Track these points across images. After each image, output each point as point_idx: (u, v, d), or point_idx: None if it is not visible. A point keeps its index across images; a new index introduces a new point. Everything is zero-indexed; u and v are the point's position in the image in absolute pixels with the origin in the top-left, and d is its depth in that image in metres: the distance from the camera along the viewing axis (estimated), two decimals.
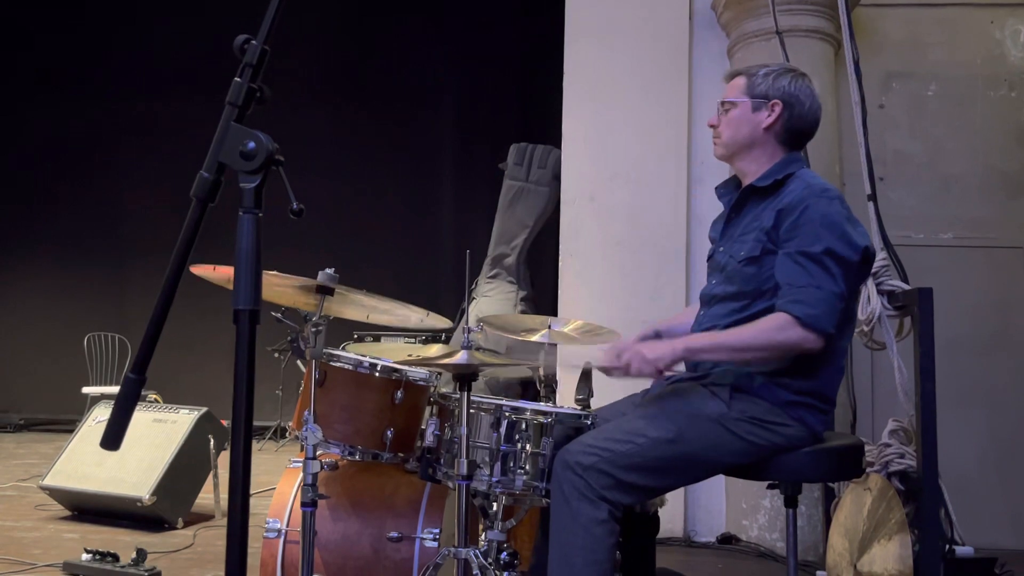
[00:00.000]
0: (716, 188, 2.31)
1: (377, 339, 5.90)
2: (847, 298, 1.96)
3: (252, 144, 1.05)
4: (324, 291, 2.14)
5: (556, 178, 5.50)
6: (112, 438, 1.07)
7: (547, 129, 5.72)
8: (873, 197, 3.16)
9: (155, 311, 1.07)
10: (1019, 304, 4.18)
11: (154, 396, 6.44)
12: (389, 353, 2.48)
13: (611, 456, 1.92)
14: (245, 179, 1.05)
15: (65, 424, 7.67)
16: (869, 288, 2.93)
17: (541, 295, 6.25)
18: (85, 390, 7.05)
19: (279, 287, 2.24)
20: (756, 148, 2.14)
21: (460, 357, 2.04)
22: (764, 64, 2.20)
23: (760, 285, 2.03)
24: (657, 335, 2.31)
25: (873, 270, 2.91)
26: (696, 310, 2.32)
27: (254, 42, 1.08)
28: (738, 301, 2.07)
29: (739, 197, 2.18)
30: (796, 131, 2.13)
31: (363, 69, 8.49)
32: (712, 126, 2.21)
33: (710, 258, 2.27)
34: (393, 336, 5.71)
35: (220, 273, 2.12)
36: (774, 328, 1.91)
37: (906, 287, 2.88)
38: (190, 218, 1.07)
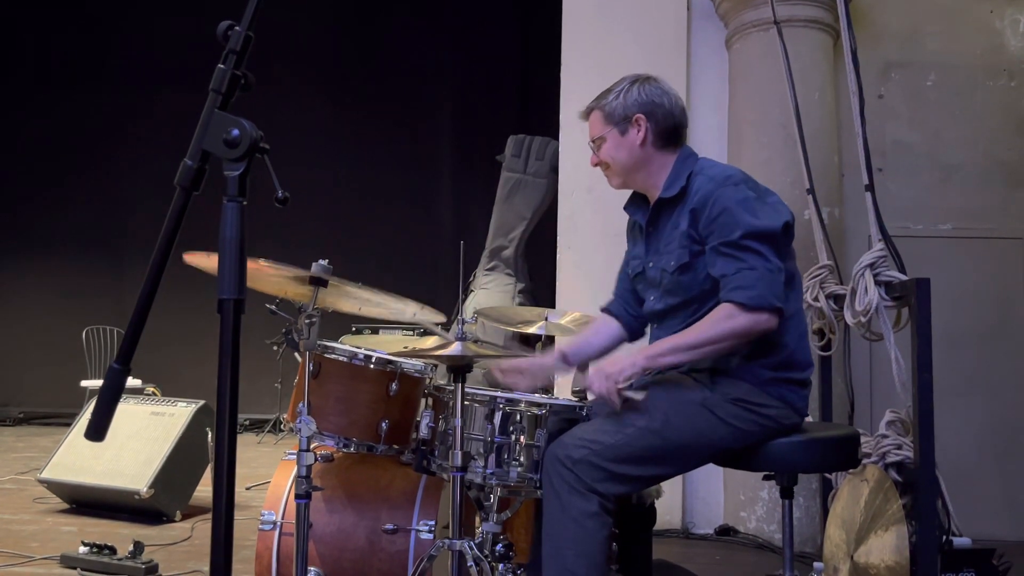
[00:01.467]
0: (624, 207, 2.32)
1: (375, 331, 5.89)
2: (783, 269, 1.98)
3: (236, 131, 1.03)
4: (318, 282, 2.13)
5: (554, 170, 5.49)
6: (96, 429, 1.07)
7: (545, 121, 5.71)
8: (871, 188, 3.15)
9: (139, 301, 1.06)
10: (1018, 295, 4.17)
11: (152, 389, 6.44)
12: (385, 345, 2.48)
13: (601, 448, 1.93)
14: (229, 167, 1.04)
15: (64, 417, 7.67)
16: (867, 279, 2.92)
17: (539, 287, 6.24)
18: (84, 384, 7.05)
19: (273, 277, 2.23)
20: (644, 166, 2.17)
21: (454, 349, 2.03)
22: (608, 89, 2.22)
23: (702, 286, 2.06)
24: (564, 359, 2.34)
25: (870, 261, 2.90)
26: (600, 325, 2.39)
27: (238, 28, 1.07)
28: (688, 308, 2.09)
29: (652, 212, 2.20)
30: (668, 131, 2.16)
31: (361, 61, 8.47)
32: (595, 165, 2.24)
33: (639, 274, 2.28)
34: (390, 329, 5.70)
35: (213, 261, 2.10)
36: (722, 318, 1.94)
37: (904, 278, 2.87)
38: (174, 207, 1.05)
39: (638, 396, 1.97)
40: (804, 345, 2.12)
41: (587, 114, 2.24)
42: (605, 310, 2.43)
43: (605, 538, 1.93)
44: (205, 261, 2.05)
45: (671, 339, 2.01)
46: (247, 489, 4.81)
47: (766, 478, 2.18)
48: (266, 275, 2.20)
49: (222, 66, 1.07)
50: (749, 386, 2.02)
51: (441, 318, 2.50)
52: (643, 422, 1.96)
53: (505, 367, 2.33)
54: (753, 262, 1.94)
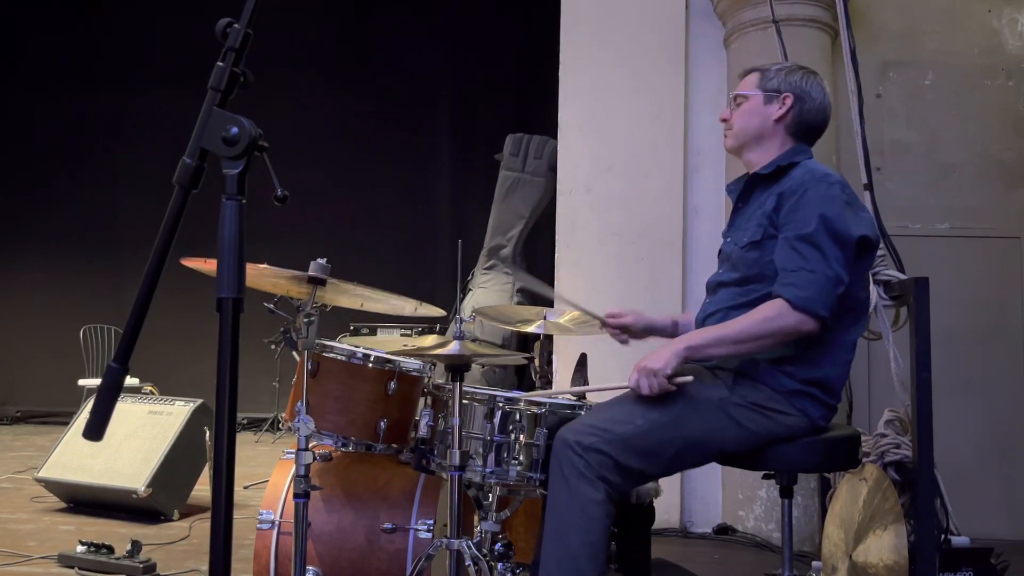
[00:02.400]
0: (727, 186, 2.33)
1: (373, 332, 5.89)
2: (845, 282, 1.95)
3: (235, 129, 1.03)
4: (316, 282, 2.12)
5: (552, 169, 5.48)
6: (95, 428, 1.06)
7: (543, 119, 5.70)
8: (870, 187, 3.15)
9: (137, 300, 1.06)
10: (1015, 294, 4.17)
11: (150, 388, 6.43)
12: (384, 345, 2.48)
13: (611, 437, 1.92)
14: (228, 165, 1.03)
15: (61, 416, 7.66)
16: (865, 278, 2.92)
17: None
18: (81, 382, 7.04)
19: (271, 277, 2.23)
20: (766, 140, 2.17)
21: (452, 348, 2.03)
22: (777, 62, 2.25)
23: (762, 269, 2.04)
24: (675, 325, 2.35)
25: None
26: (688, 316, 2.36)
27: (236, 26, 1.06)
28: (741, 286, 2.09)
29: (744, 187, 2.21)
30: (806, 125, 2.16)
31: (359, 59, 8.46)
32: (724, 120, 2.24)
33: (720, 252, 2.28)
34: (389, 328, 5.70)
35: (211, 266, 2.10)
36: (771, 316, 1.92)
37: (902, 277, 2.87)
38: (172, 205, 1.05)
39: (687, 378, 1.95)
40: (841, 375, 2.07)
41: (745, 73, 2.25)
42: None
43: (607, 528, 1.92)
44: (203, 266, 2.05)
45: (714, 330, 1.99)
46: (245, 488, 4.81)
47: (766, 477, 2.18)
48: (265, 274, 2.20)
49: (221, 64, 1.06)
50: (771, 391, 1.99)
51: (440, 313, 2.49)
52: (655, 415, 1.95)
53: (612, 323, 2.33)
54: (816, 264, 1.93)
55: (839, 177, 2.06)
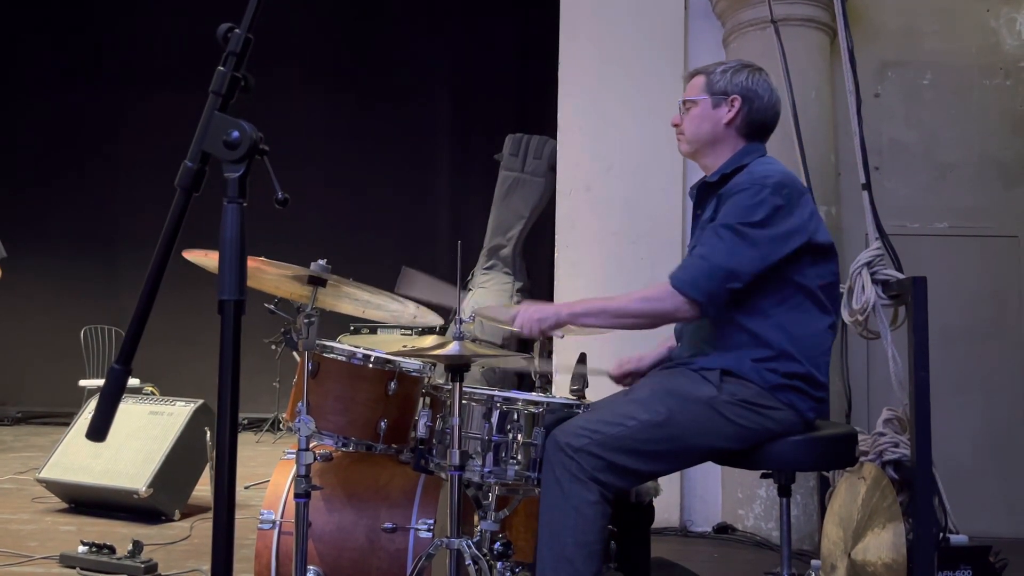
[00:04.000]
0: (689, 189, 2.33)
1: (373, 331, 5.90)
2: (742, 278, 1.97)
3: (236, 133, 1.04)
4: (316, 282, 2.13)
5: (552, 169, 5.49)
6: (98, 430, 1.07)
7: (543, 119, 5.71)
8: (868, 186, 3.16)
9: (140, 302, 1.06)
10: (1013, 293, 4.18)
11: (151, 388, 6.44)
12: (384, 345, 2.48)
13: (602, 439, 1.93)
14: (229, 168, 1.04)
15: (62, 417, 7.66)
16: (864, 277, 2.93)
17: (537, 286, 6.25)
18: (82, 383, 7.05)
19: (271, 277, 2.24)
20: (718, 144, 2.18)
21: (451, 348, 2.04)
22: (721, 62, 2.24)
23: None
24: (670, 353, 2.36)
25: (867, 259, 2.91)
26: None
27: (238, 30, 1.07)
28: None
29: (697, 195, 2.23)
30: (757, 124, 2.17)
31: (358, 59, 8.47)
32: (675, 125, 2.25)
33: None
34: (390, 328, 5.70)
35: (213, 258, 2.11)
36: (650, 296, 2.00)
37: (900, 276, 2.88)
38: (174, 208, 1.06)
39: (604, 372, 2.12)
40: (822, 365, 2.08)
41: (691, 76, 2.26)
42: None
43: (603, 527, 1.93)
44: (204, 259, 2.06)
45: (598, 302, 2.08)
46: (246, 488, 4.82)
47: (764, 476, 2.19)
48: (265, 274, 2.20)
49: (222, 68, 1.07)
50: (758, 389, 2.01)
51: (439, 320, 2.50)
52: (646, 416, 1.96)
53: (618, 374, 2.38)
54: (711, 253, 1.98)
55: (779, 178, 2.03)
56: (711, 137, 2.17)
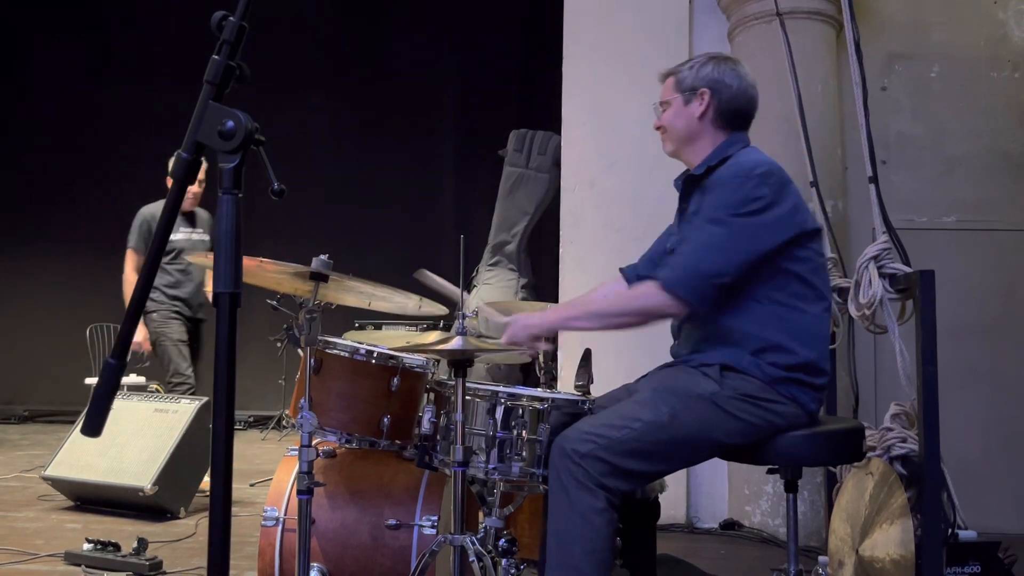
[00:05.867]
0: (675, 180, 2.33)
1: (378, 327, 5.88)
2: (729, 273, 1.96)
3: (231, 123, 1.02)
4: (318, 277, 2.12)
5: (556, 164, 5.47)
6: (93, 424, 1.06)
7: (547, 115, 5.69)
8: (875, 180, 3.13)
9: (135, 295, 1.05)
10: (1022, 288, 4.15)
11: (155, 386, 6.45)
12: (388, 341, 2.47)
13: (607, 443, 1.91)
14: (224, 159, 1.03)
15: (68, 415, 7.67)
16: (871, 271, 2.90)
17: (542, 282, 6.23)
18: (88, 381, 7.05)
19: (274, 274, 2.23)
20: (697, 139, 2.20)
21: (454, 343, 2.02)
22: (689, 59, 2.27)
23: None
24: None
25: (874, 253, 2.88)
26: (608, 286, 2.43)
27: (232, 19, 1.05)
28: None
29: (684, 188, 2.24)
30: (731, 113, 2.18)
31: (362, 55, 8.46)
32: (657, 128, 2.28)
33: (672, 251, 2.29)
34: (394, 324, 5.69)
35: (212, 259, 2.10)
36: (638, 294, 2.00)
37: (908, 270, 2.85)
38: (168, 200, 1.04)
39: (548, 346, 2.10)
40: (820, 353, 2.08)
41: (663, 79, 2.29)
42: (621, 270, 2.47)
43: (611, 534, 1.91)
44: (204, 260, 2.05)
45: (584, 304, 2.11)
46: (251, 486, 4.82)
47: (770, 471, 2.17)
48: (267, 271, 2.19)
49: (216, 57, 1.05)
50: (760, 383, 2.00)
51: (443, 310, 2.49)
52: (650, 416, 1.95)
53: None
54: (697, 250, 1.97)
55: (765, 168, 2.03)
56: (688, 133, 2.20)
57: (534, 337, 2.06)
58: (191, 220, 4.97)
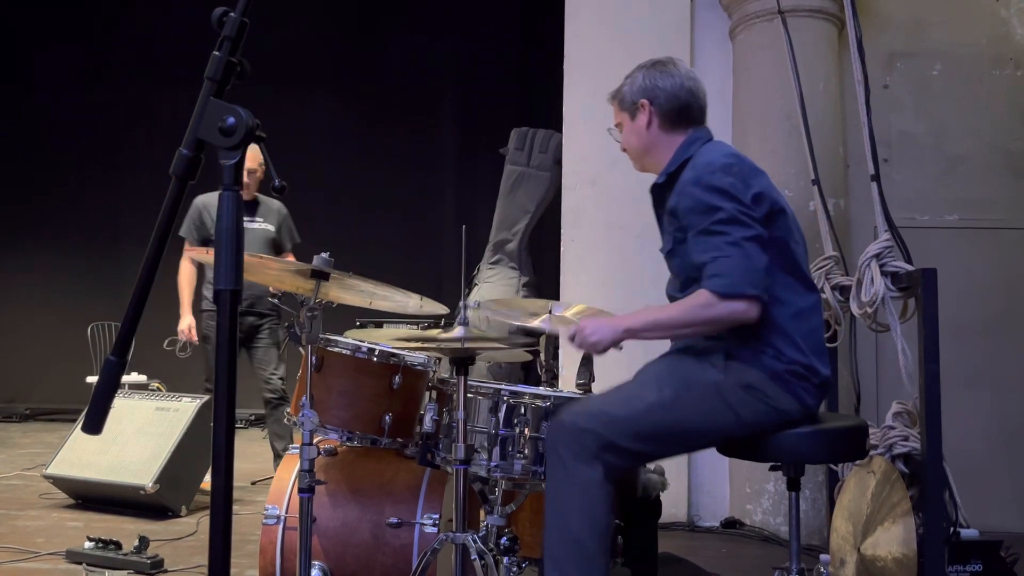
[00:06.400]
0: (650, 188, 2.32)
1: (379, 326, 5.88)
2: (765, 256, 1.96)
3: (232, 119, 1.02)
4: (319, 275, 2.12)
5: (557, 163, 5.46)
6: (94, 422, 1.05)
7: (548, 113, 5.68)
8: (877, 178, 3.12)
9: (135, 292, 1.05)
10: None
11: (157, 385, 6.45)
12: (389, 339, 2.46)
13: (607, 419, 1.92)
14: (225, 156, 1.02)
15: (69, 414, 7.68)
16: (873, 270, 2.89)
17: (543, 280, 6.22)
18: (89, 380, 7.05)
19: (275, 271, 2.22)
20: (653, 149, 2.22)
21: (456, 332, 2.02)
22: (627, 76, 2.28)
23: (689, 273, 2.07)
24: None
25: (876, 251, 2.88)
26: None
27: (232, 15, 1.05)
28: (683, 292, 2.12)
29: (653, 199, 2.25)
30: (673, 113, 2.18)
31: (364, 53, 8.45)
32: (623, 151, 2.30)
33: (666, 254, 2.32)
34: (395, 323, 5.69)
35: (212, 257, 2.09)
36: (699, 305, 1.96)
37: (910, 268, 2.85)
38: (169, 197, 1.04)
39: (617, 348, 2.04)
40: (815, 343, 2.07)
41: (611, 101, 2.31)
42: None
43: (610, 506, 1.92)
44: (206, 256, 2.05)
45: (651, 315, 2.04)
46: (253, 484, 4.82)
47: (772, 468, 2.17)
48: (268, 269, 2.19)
49: (217, 53, 1.05)
50: (762, 375, 2.00)
51: (444, 309, 2.48)
52: (654, 398, 1.97)
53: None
54: (725, 248, 1.95)
55: (723, 160, 2.04)
56: (643, 147, 2.22)
57: (601, 350, 2.02)
58: (249, 209, 4.57)
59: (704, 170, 2.03)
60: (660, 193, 2.20)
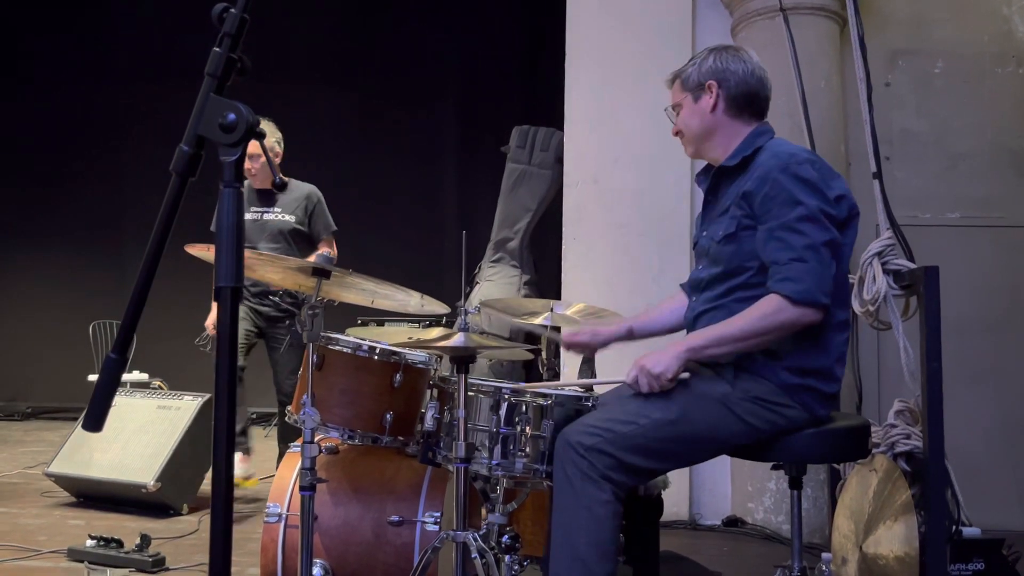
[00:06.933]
0: (696, 176, 2.31)
1: (380, 324, 5.87)
2: (835, 263, 1.95)
3: (232, 116, 1.01)
4: (320, 273, 2.12)
5: (559, 161, 5.45)
6: (95, 420, 1.05)
7: (550, 111, 5.68)
8: (879, 176, 3.12)
9: (135, 290, 1.05)
10: None
11: (158, 383, 6.45)
12: (390, 337, 2.46)
13: (613, 437, 1.90)
14: (225, 152, 1.02)
15: (71, 412, 7.69)
16: (875, 268, 2.89)
17: (545, 279, 6.22)
18: (91, 378, 7.05)
19: (276, 269, 2.22)
20: (715, 134, 2.16)
21: (457, 339, 2.02)
22: (692, 57, 2.23)
23: (742, 261, 2.03)
24: (630, 333, 2.35)
25: (878, 249, 2.87)
26: (671, 303, 2.37)
27: (233, 10, 1.05)
28: (727, 280, 2.07)
29: (712, 180, 2.19)
30: (743, 99, 2.14)
31: (365, 52, 8.44)
32: (676, 134, 2.25)
33: (695, 245, 2.27)
34: (396, 321, 5.68)
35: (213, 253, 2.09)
36: (771, 312, 1.91)
37: (912, 266, 2.85)
38: (169, 194, 1.04)
39: (685, 375, 1.96)
40: (837, 358, 2.05)
41: (671, 82, 2.25)
42: (682, 285, 2.39)
43: (616, 527, 1.91)
44: (206, 252, 2.05)
45: (714, 330, 1.97)
46: (247, 480, 4.82)
47: (775, 468, 2.16)
48: (269, 267, 2.19)
49: (217, 49, 1.04)
50: (772, 386, 1.98)
51: (445, 308, 2.48)
52: (659, 413, 1.93)
53: (568, 341, 2.37)
54: (802, 251, 1.91)
55: (807, 154, 2.03)
56: (704, 130, 2.16)
57: (665, 383, 1.93)
58: (266, 199, 4.23)
59: (791, 160, 1.98)
60: (721, 177, 2.16)
